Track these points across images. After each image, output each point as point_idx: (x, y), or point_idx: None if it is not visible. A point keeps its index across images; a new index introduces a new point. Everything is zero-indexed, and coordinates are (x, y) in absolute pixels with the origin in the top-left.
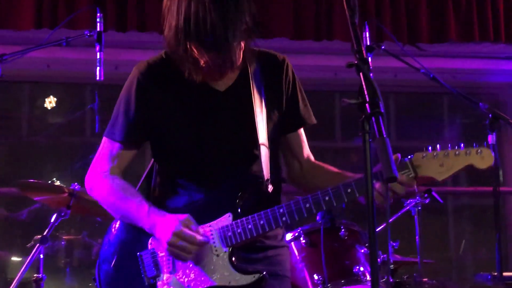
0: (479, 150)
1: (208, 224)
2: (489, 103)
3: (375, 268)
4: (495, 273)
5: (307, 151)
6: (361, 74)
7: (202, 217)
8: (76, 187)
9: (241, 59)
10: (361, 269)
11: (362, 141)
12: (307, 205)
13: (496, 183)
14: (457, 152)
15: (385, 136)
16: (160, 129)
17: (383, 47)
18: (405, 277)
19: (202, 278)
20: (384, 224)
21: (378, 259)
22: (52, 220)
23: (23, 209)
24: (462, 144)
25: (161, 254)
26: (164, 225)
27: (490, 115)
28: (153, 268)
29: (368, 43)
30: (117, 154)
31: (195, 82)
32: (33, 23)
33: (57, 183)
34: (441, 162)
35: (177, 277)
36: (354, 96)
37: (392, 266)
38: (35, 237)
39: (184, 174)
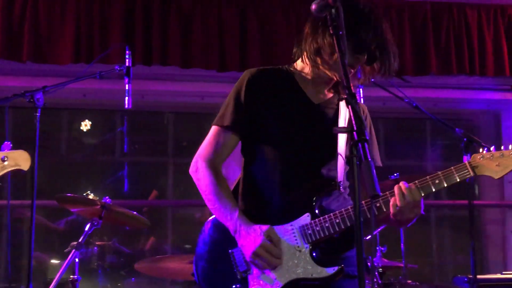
0: None
1: (289, 224)
2: (466, 127)
3: (361, 270)
4: (470, 276)
5: None
6: (349, 106)
7: (283, 217)
8: (107, 200)
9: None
10: None
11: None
12: (378, 204)
13: (470, 197)
14: (511, 153)
15: (369, 159)
16: (259, 124)
17: (372, 79)
18: (391, 279)
19: (287, 272)
20: (375, 232)
21: (369, 263)
22: (86, 228)
23: (61, 218)
24: None
25: None
26: (248, 236)
27: (465, 139)
28: (244, 264)
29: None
30: (223, 141)
31: (295, 89)
32: (72, 59)
33: (91, 196)
34: (497, 162)
35: (265, 271)
36: None
37: (380, 269)
38: (72, 243)
39: (269, 172)
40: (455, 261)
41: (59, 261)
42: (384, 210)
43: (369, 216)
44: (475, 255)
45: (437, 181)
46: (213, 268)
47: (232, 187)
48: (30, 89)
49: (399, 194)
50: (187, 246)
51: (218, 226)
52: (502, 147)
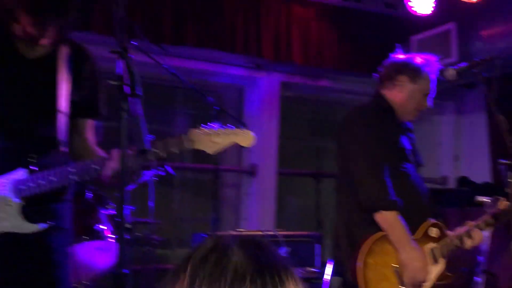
0: (243, 131)
1: (2, 176)
2: (214, 98)
3: (122, 226)
4: (209, 233)
5: (90, 138)
6: (123, 60)
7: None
8: None
9: (54, 41)
10: (102, 227)
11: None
12: (93, 166)
13: (215, 162)
14: (226, 131)
15: (140, 114)
16: None
17: (133, 42)
18: (139, 235)
19: None
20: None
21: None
22: None
23: None
24: (230, 125)
25: None
26: None
27: (217, 107)
28: None
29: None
30: None
31: (6, 44)
32: None
33: None
34: (213, 139)
35: None
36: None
37: (129, 225)
38: None
39: None
40: (195, 220)
41: None
42: (102, 173)
43: (91, 176)
44: (215, 215)
45: (158, 151)
46: None
47: None
48: None
49: (117, 159)
50: None
51: None
52: (219, 125)
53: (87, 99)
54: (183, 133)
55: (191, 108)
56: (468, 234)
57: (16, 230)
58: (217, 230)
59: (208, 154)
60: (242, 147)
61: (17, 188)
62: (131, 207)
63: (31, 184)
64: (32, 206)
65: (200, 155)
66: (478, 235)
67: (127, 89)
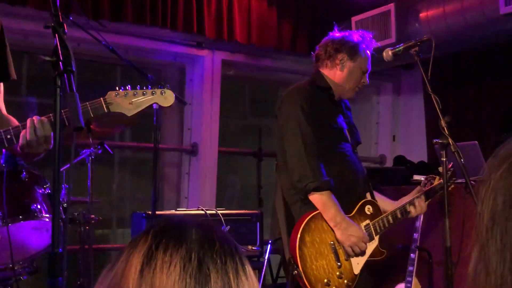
0: (163, 91)
1: None
2: (154, 76)
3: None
4: (149, 212)
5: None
6: (56, 35)
7: None
8: None
9: None
10: (39, 207)
11: (54, 95)
12: (8, 136)
13: (156, 141)
14: (144, 92)
15: (75, 91)
16: None
17: (71, 18)
18: (75, 213)
19: None
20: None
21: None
22: None
23: None
24: (149, 86)
25: None
26: None
27: (159, 86)
28: None
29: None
30: None
31: None
32: None
33: None
34: (131, 100)
35: None
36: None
37: (65, 204)
38: None
39: None
40: (135, 200)
41: None
42: (15, 142)
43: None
44: (155, 194)
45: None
46: None
47: None
48: None
49: (30, 127)
50: None
51: None
52: (138, 86)
53: None
54: (101, 97)
55: (130, 86)
56: (405, 208)
57: None
58: (157, 210)
59: (148, 133)
60: (162, 107)
61: None
62: (66, 186)
63: None
64: None
65: (140, 134)
66: (420, 204)
67: (61, 65)
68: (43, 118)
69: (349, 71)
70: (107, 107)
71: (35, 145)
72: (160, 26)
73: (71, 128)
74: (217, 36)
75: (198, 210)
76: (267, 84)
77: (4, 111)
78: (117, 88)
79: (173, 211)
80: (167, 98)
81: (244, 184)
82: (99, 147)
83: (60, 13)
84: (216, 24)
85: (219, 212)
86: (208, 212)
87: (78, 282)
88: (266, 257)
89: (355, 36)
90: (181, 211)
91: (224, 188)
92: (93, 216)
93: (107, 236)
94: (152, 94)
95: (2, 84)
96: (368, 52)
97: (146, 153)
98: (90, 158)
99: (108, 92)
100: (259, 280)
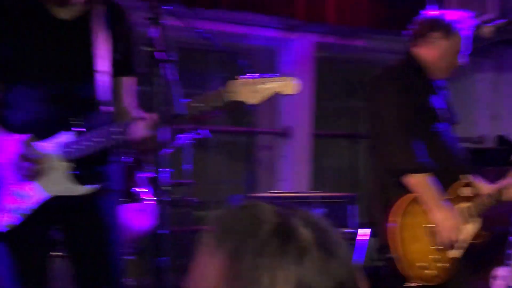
0: (285, 79)
1: (49, 140)
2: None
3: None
4: (245, 194)
5: (127, 98)
6: (157, 26)
7: (44, 133)
8: None
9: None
10: (140, 190)
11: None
12: (116, 129)
13: (250, 125)
14: (267, 80)
15: (175, 79)
16: (5, 47)
17: (167, 8)
18: (177, 196)
19: (46, 189)
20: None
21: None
22: None
23: None
24: (272, 74)
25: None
26: (8, 145)
27: (250, 70)
28: None
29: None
30: None
31: (39, 7)
32: None
33: None
34: (253, 89)
35: (21, 187)
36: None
37: (168, 188)
38: None
39: (26, 92)
40: (231, 182)
41: None
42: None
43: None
44: (250, 177)
45: (198, 104)
46: None
47: None
48: None
49: (150, 123)
50: None
51: None
52: (258, 75)
53: (123, 57)
54: (220, 86)
55: (223, 71)
56: (505, 190)
57: (67, 193)
58: (252, 192)
59: (242, 116)
60: (284, 95)
61: (65, 150)
62: (169, 170)
63: (77, 147)
64: (81, 169)
65: (234, 117)
66: None
67: (160, 55)
68: (153, 116)
69: (441, 50)
70: (229, 96)
71: (154, 140)
72: (252, 10)
73: (173, 115)
74: (308, 19)
75: (293, 192)
76: (361, 65)
77: (126, 103)
78: (236, 77)
79: (267, 193)
80: (289, 86)
81: (339, 167)
82: (198, 131)
83: (159, 4)
84: (307, 6)
85: (314, 194)
86: (302, 194)
87: (179, 262)
88: (361, 240)
89: (450, 14)
90: (276, 193)
91: (319, 170)
92: (193, 198)
93: (204, 217)
94: (275, 82)
95: (126, 78)
96: (465, 32)
97: (240, 137)
98: (189, 143)
99: (229, 81)
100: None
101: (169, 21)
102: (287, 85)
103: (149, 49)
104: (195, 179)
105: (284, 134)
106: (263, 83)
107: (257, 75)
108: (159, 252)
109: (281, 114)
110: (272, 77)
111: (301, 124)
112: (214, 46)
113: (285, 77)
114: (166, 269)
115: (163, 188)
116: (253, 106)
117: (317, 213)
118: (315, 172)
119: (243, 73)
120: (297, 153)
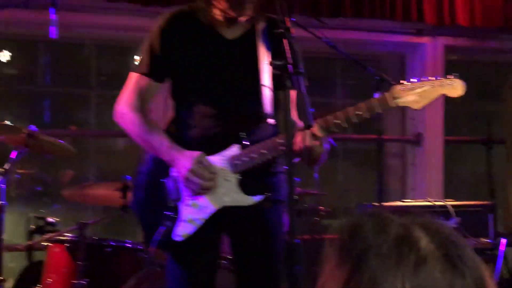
0: (451, 81)
1: (218, 154)
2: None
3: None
4: (374, 203)
5: (294, 111)
6: (286, 39)
7: (212, 150)
8: (33, 128)
9: (251, 18)
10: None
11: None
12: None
13: (379, 132)
14: (432, 84)
15: (304, 92)
16: (179, 68)
17: (293, 19)
18: (305, 205)
19: (217, 200)
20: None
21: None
22: (13, 156)
23: None
24: (436, 76)
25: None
26: (181, 161)
27: (377, 77)
28: (175, 192)
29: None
30: (143, 87)
31: (209, 29)
32: None
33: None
34: (417, 92)
35: (195, 199)
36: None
37: (297, 197)
38: None
39: (198, 109)
40: (360, 191)
41: None
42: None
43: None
44: (381, 185)
45: (359, 112)
46: (148, 198)
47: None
48: None
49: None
50: (111, 174)
51: (155, 158)
52: (420, 78)
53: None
54: (383, 92)
55: (350, 79)
56: None
57: (235, 204)
58: (382, 200)
59: (370, 123)
60: (449, 97)
61: (233, 163)
62: (297, 179)
63: (244, 159)
64: (249, 180)
65: (361, 124)
66: None
67: (290, 68)
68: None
69: None
70: (395, 102)
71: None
72: (378, 17)
73: (303, 127)
74: (438, 22)
75: (425, 201)
76: (493, 67)
77: (294, 115)
78: (400, 82)
79: (398, 203)
80: (456, 88)
81: (473, 174)
82: (329, 140)
83: (285, 18)
84: (436, 9)
85: (448, 203)
86: (436, 203)
87: (308, 270)
88: (502, 250)
89: None
90: (407, 202)
91: (452, 178)
92: (322, 207)
93: (333, 226)
94: (439, 84)
95: (292, 91)
96: None
97: (369, 144)
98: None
99: (393, 86)
100: (494, 274)
101: (296, 31)
102: (453, 87)
103: (279, 62)
104: (324, 188)
105: (415, 141)
106: (427, 86)
107: (416, 78)
108: (294, 261)
109: (411, 120)
110: (436, 79)
111: (433, 130)
112: (340, 55)
113: (450, 79)
114: (301, 278)
115: (294, 197)
116: (416, 110)
117: (448, 223)
118: (447, 180)
119: (369, 83)
120: (428, 160)
